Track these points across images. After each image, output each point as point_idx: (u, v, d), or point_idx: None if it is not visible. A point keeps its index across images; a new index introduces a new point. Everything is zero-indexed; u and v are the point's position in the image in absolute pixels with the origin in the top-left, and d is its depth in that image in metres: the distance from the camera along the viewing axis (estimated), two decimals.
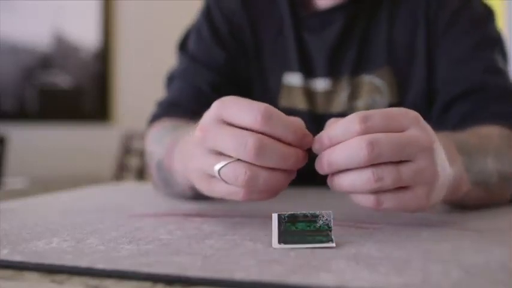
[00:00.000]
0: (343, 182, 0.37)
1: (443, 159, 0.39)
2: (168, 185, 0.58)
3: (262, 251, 0.33)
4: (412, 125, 0.37)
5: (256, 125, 0.35)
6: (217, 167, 0.37)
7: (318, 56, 0.75)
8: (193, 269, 0.29)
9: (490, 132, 0.59)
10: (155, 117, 0.73)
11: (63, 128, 2.85)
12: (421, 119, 0.38)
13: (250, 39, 0.78)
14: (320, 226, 0.35)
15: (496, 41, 0.73)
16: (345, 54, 0.75)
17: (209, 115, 0.38)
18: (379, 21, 0.75)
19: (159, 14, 2.82)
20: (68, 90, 2.83)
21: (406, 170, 0.36)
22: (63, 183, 1.82)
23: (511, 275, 0.28)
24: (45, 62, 2.82)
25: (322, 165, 0.37)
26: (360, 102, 0.74)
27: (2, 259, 0.31)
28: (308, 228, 0.35)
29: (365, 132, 0.36)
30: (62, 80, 2.83)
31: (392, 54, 0.74)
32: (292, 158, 0.36)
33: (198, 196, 0.50)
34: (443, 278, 0.27)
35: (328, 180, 0.38)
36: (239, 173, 0.36)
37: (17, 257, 0.31)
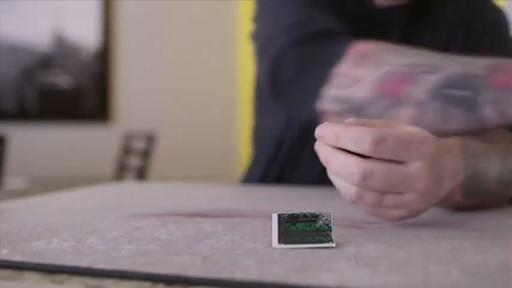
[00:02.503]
0: (332, 178, 0.39)
1: (439, 185, 0.40)
2: (467, 106, 0.53)
3: (262, 251, 0.33)
4: (420, 159, 0.38)
5: (367, 153, 0.37)
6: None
7: None
8: (193, 269, 0.29)
9: (496, 134, 0.59)
10: (328, 35, 0.62)
11: (63, 128, 2.85)
12: (436, 158, 0.39)
13: None
14: (320, 226, 0.35)
15: None
16: None
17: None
18: (434, 23, 0.75)
19: (159, 14, 2.82)
20: (68, 90, 2.83)
21: (389, 199, 0.38)
22: (63, 183, 1.82)
23: (511, 275, 0.28)
24: (45, 62, 2.82)
25: (320, 155, 0.39)
26: None
27: (2, 259, 0.31)
28: (308, 228, 0.35)
29: (372, 153, 0.36)
30: (62, 80, 2.83)
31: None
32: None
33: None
34: (443, 278, 0.27)
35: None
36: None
37: (17, 257, 0.31)
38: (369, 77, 0.56)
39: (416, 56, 0.58)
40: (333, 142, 0.38)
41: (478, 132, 0.51)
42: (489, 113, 0.52)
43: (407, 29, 0.75)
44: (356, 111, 0.56)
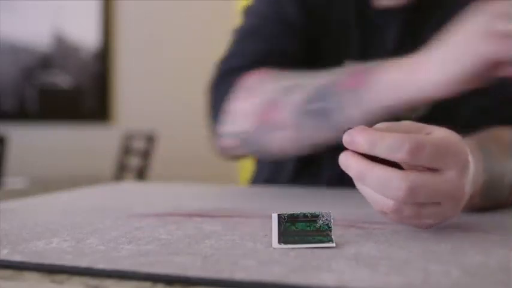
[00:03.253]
0: (365, 192, 0.37)
1: (467, 191, 0.39)
2: (324, 115, 0.56)
3: (262, 251, 0.33)
4: (455, 168, 0.36)
5: (404, 162, 0.35)
6: None
7: (377, 55, 0.75)
8: (193, 269, 0.29)
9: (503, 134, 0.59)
10: (239, 70, 0.67)
11: (63, 128, 2.85)
12: (467, 163, 0.37)
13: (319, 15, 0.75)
14: (320, 226, 0.35)
15: None
16: (403, 55, 0.75)
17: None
18: (436, 23, 0.75)
19: (159, 14, 2.82)
20: (68, 90, 2.83)
21: (428, 210, 0.36)
22: (63, 183, 1.82)
23: (511, 275, 0.28)
24: (45, 62, 2.82)
25: (351, 167, 0.36)
26: None
27: (2, 259, 0.31)
28: (308, 228, 0.35)
29: (409, 161, 0.35)
30: (62, 80, 2.83)
31: None
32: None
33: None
34: (443, 278, 0.27)
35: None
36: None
37: (17, 257, 0.31)
38: (251, 109, 0.60)
39: (291, 79, 0.60)
40: (366, 150, 0.35)
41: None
42: (343, 116, 0.54)
43: (406, 29, 0.75)
44: (248, 143, 0.57)
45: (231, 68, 0.70)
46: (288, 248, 0.33)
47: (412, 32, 0.75)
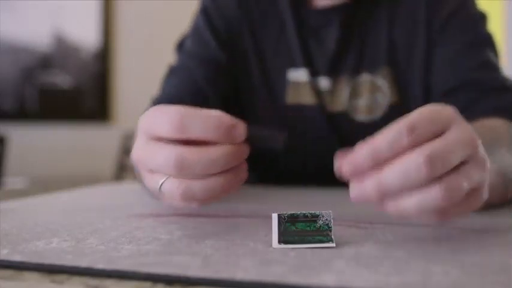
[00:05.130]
0: (407, 205, 0.33)
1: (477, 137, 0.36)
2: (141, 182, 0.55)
3: (262, 251, 0.33)
4: (453, 123, 0.34)
5: (172, 134, 0.34)
6: (158, 185, 0.36)
7: (319, 56, 0.76)
8: (193, 269, 0.29)
9: (496, 125, 0.59)
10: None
11: (63, 128, 2.85)
12: (456, 111, 0.35)
13: (249, 38, 0.78)
14: (320, 226, 0.35)
15: (490, 40, 0.74)
16: (345, 54, 0.76)
17: (139, 134, 0.37)
18: (379, 21, 0.76)
19: (159, 14, 2.82)
20: (68, 90, 2.83)
21: (465, 173, 0.33)
22: (63, 183, 1.82)
23: (511, 275, 0.28)
24: (45, 62, 2.82)
25: (369, 193, 0.33)
26: (361, 101, 0.75)
27: (2, 259, 0.31)
28: (308, 228, 0.35)
29: (414, 143, 0.32)
30: (62, 80, 2.83)
31: (392, 55, 0.75)
32: (221, 159, 0.34)
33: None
34: (443, 278, 0.27)
35: (377, 204, 0.34)
36: (173, 188, 0.35)
37: (17, 257, 0.31)
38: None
39: None
40: (369, 164, 0.32)
41: None
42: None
43: (346, 28, 0.75)
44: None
45: (153, 102, 0.72)
46: (288, 248, 0.33)
47: (352, 30, 0.76)
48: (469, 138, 0.34)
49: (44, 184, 2.29)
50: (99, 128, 2.87)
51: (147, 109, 0.69)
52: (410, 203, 0.33)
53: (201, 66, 0.74)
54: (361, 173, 0.33)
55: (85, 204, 0.56)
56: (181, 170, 0.34)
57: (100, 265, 0.29)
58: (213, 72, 0.74)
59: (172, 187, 0.35)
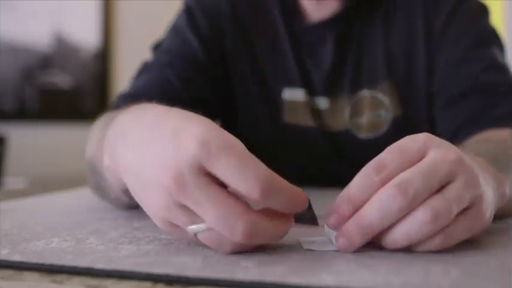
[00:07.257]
0: (397, 237, 0.32)
1: (476, 166, 0.35)
2: (100, 189, 0.50)
3: (262, 251, 0.33)
4: (428, 147, 0.33)
5: (253, 197, 0.29)
6: (194, 229, 0.31)
7: (315, 75, 0.73)
8: (193, 269, 0.29)
9: (505, 138, 0.57)
10: (124, 100, 0.64)
11: (63, 128, 2.85)
12: (432, 136, 0.34)
13: (244, 49, 0.75)
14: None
15: (493, 35, 0.72)
16: (342, 71, 0.73)
17: (187, 158, 0.30)
18: (374, 33, 0.73)
19: (159, 14, 2.82)
20: (68, 90, 2.83)
21: (451, 192, 0.32)
22: (63, 183, 1.82)
23: (511, 275, 0.28)
24: (45, 62, 2.82)
25: (353, 236, 0.32)
26: (363, 119, 0.72)
27: (2, 259, 0.31)
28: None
29: (386, 179, 0.32)
30: (62, 80, 2.83)
31: (392, 66, 0.72)
32: (282, 230, 0.32)
33: (136, 205, 0.36)
34: (443, 278, 0.27)
35: (376, 242, 0.33)
36: (224, 244, 0.31)
37: (17, 257, 0.31)
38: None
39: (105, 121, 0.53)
40: (350, 213, 0.32)
41: None
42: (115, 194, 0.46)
43: (344, 44, 0.73)
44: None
45: (119, 97, 0.68)
46: (290, 247, 0.33)
47: (348, 47, 0.73)
48: (448, 159, 0.32)
49: (44, 184, 2.28)
50: None
51: (113, 104, 0.65)
52: (400, 233, 0.32)
53: (177, 64, 0.71)
54: (345, 221, 0.33)
55: (85, 204, 0.56)
56: (247, 240, 0.30)
57: (100, 265, 0.29)
58: (189, 72, 0.71)
59: (222, 243, 0.31)
